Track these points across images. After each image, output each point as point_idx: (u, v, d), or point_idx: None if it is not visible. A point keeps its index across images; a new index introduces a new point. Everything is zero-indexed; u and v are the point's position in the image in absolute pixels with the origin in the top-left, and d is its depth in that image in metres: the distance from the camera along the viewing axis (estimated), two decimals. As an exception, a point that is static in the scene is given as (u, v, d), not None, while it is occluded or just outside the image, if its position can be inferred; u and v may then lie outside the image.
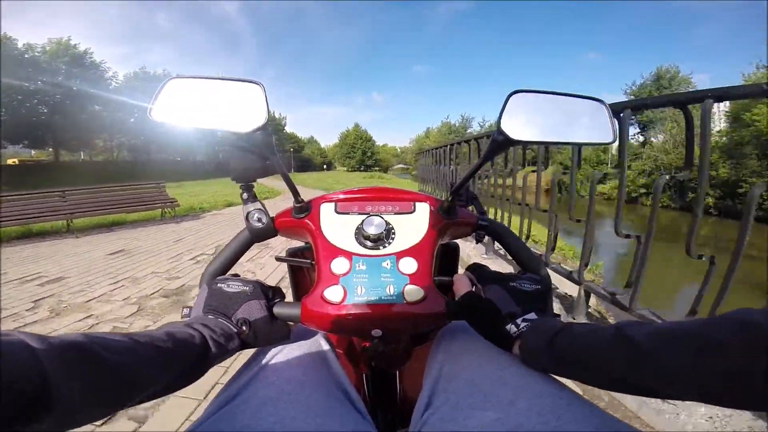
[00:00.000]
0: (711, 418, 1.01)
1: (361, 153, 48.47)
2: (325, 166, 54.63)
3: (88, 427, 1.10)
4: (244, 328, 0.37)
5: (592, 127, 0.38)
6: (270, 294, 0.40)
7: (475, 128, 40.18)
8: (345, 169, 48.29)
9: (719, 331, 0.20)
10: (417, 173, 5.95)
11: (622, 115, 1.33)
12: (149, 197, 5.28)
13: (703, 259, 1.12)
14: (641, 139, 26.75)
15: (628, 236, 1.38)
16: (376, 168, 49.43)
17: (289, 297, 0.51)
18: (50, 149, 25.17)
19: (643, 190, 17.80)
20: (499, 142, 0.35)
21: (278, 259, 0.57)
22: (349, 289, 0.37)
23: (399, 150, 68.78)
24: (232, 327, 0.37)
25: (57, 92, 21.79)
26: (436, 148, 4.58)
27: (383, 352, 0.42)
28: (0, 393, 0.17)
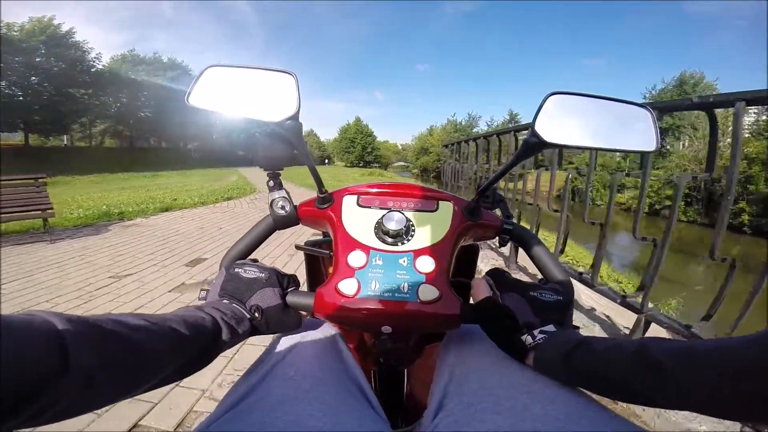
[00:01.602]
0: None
1: (360, 148, 48.55)
2: (326, 161, 54.76)
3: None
4: (256, 315, 0.39)
5: (633, 133, 0.39)
6: (285, 282, 0.42)
7: (482, 127, 40.32)
8: (343, 164, 48.34)
9: (748, 353, 0.21)
10: (443, 176, 4.73)
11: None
12: (17, 200, 3.52)
13: (726, 263, 1.14)
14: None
15: (644, 239, 1.42)
16: (376, 164, 49.50)
17: (304, 287, 0.53)
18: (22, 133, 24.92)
19: (668, 202, 16.37)
20: (532, 144, 0.36)
21: (298, 247, 0.59)
22: (363, 283, 0.39)
23: (400, 147, 68.94)
24: (245, 313, 0.39)
25: (31, 73, 21.55)
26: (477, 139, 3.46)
27: (393, 348, 0.44)
28: (23, 369, 0.18)
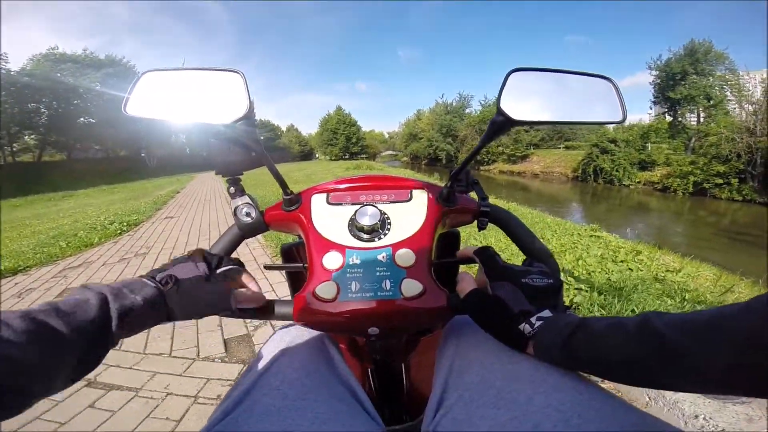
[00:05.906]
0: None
1: (344, 139, 48.25)
2: (315, 156, 54.43)
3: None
4: (168, 284, 0.36)
5: (599, 105, 0.42)
6: (216, 261, 0.41)
7: (475, 107, 40.52)
8: (327, 158, 47.95)
9: (747, 320, 0.22)
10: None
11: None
12: None
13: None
14: (668, 118, 26.36)
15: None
16: (363, 155, 49.32)
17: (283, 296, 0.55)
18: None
19: (718, 180, 14.63)
20: (499, 124, 0.38)
21: (267, 267, 0.61)
22: (342, 285, 0.41)
23: (387, 135, 69.06)
24: (149, 282, 0.36)
25: None
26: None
27: (386, 345, 0.47)
28: None
